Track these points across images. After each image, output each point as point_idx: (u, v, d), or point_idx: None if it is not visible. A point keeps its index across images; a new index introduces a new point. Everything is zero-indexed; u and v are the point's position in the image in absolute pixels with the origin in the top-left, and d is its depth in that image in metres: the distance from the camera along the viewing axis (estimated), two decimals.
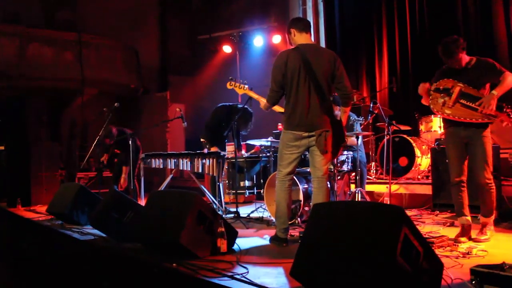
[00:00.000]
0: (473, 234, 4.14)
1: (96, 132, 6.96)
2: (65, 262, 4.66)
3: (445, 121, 4.27)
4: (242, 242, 4.07)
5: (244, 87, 4.73)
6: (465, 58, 4.04)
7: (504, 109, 3.84)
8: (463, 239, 4.01)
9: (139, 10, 13.20)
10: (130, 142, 6.34)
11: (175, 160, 6.03)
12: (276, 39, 9.88)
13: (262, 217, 5.64)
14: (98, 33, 12.31)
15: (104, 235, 4.53)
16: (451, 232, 4.31)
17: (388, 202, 5.67)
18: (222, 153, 5.98)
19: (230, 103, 6.49)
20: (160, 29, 14.02)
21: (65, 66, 11.66)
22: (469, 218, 4.15)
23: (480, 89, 3.95)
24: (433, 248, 3.62)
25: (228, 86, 4.82)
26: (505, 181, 5.59)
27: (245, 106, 5.99)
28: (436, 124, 6.98)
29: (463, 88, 3.99)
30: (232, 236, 3.87)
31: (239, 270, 3.18)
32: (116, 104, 6.60)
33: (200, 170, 5.92)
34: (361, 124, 6.23)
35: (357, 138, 5.73)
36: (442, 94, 4.07)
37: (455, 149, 4.14)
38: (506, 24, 7.22)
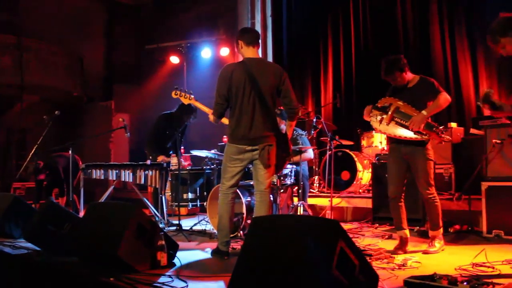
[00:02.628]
0: (422, 246, 4.32)
1: (35, 140, 6.70)
2: None
3: (388, 137, 4.44)
4: (183, 255, 4.02)
5: (189, 96, 4.71)
6: (407, 76, 4.22)
7: (434, 128, 4.02)
8: (400, 251, 4.15)
9: (85, 16, 12.87)
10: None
11: (117, 171, 5.89)
12: (224, 51, 9.92)
13: (205, 229, 5.60)
14: (41, 37, 11.88)
15: (38, 248, 4.35)
16: (389, 245, 4.45)
17: (330, 215, 5.78)
18: (166, 163, 5.90)
19: (170, 111, 6.42)
20: (106, 36, 13.73)
21: (2, 70, 11.16)
22: (407, 231, 4.31)
23: (421, 107, 4.11)
24: (370, 260, 3.75)
25: (173, 95, 4.78)
26: (440, 195, 5.81)
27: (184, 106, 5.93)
28: (377, 140, 7.21)
29: (401, 106, 4.15)
30: (172, 249, 3.81)
31: (179, 284, 3.14)
32: (56, 112, 6.38)
33: (142, 182, 5.82)
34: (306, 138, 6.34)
35: (301, 152, 5.82)
36: (380, 112, 4.23)
37: (395, 164, 4.30)
38: (442, 43, 7.62)
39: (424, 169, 4.15)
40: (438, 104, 4.08)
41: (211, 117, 4.25)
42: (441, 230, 4.32)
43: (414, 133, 4.05)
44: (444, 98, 4.09)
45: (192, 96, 4.72)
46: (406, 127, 4.08)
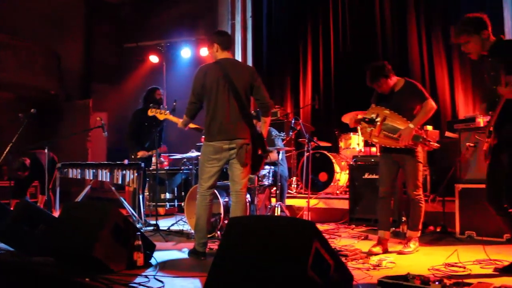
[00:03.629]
0: (397, 247, 4.40)
1: (10, 138, 6.59)
2: None
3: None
4: (160, 256, 4.01)
5: (164, 112, 4.85)
6: (390, 83, 4.29)
7: (421, 139, 4.13)
8: (375, 249, 4.21)
9: (63, 14, 12.68)
10: (45, 168, 6.10)
11: (94, 170, 5.84)
12: (204, 51, 9.88)
13: (182, 230, 5.59)
14: (17, 34, 11.68)
15: (12, 249, 4.28)
16: (365, 246, 4.51)
17: (307, 216, 5.83)
18: (144, 163, 5.87)
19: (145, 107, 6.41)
20: (85, 34, 13.54)
21: None
22: (388, 232, 4.38)
23: (407, 112, 4.20)
24: (346, 260, 3.80)
25: (149, 113, 4.98)
26: None
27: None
28: (355, 142, 7.29)
29: (388, 115, 4.22)
30: (149, 249, 3.80)
31: (155, 284, 3.14)
32: (32, 110, 6.28)
33: (120, 182, 5.78)
34: (283, 140, 6.37)
35: (278, 153, 5.85)
36: (369, 125, 4.30)
37: (385, 166, 4.40)
38: (419, 47, 7.76)
39: (413, 172, 4.27)
40: (425, 115, 4.19)
41: (181, 122, 4.32)
42: (419, 233, 4.40)
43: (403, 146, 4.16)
44: (430, 107, 4.20)
45: (167, 112, 4.84)
46: (395, 139, 4.16)
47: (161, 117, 4.84)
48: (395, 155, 4.31)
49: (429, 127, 6.67)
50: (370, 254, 4.14)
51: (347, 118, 6.51)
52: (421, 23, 7.81)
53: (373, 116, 4.29)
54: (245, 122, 4.08)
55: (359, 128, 4.45)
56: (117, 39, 13.00)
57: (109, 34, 13.36)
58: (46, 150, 6.00)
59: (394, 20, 8.17)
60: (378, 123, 4.25)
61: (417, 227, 4.37)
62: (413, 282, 2.75)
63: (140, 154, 6.11)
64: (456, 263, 3.68)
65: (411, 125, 4.11)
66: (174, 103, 5.19)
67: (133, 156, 6.22)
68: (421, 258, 4.07)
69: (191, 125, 4.37)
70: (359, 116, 4.41)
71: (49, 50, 12.43)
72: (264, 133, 4.33)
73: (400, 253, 4.23)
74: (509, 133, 3.24)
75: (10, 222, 4.34)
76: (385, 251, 4.31)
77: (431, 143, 4.16)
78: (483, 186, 3.94)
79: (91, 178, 5.97)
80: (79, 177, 6.00)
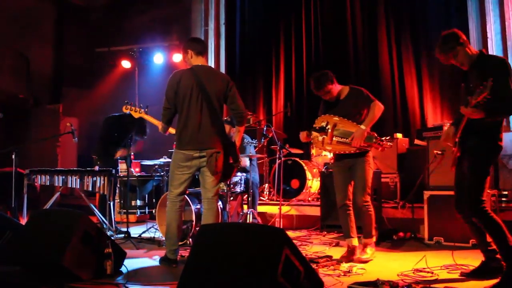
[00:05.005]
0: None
1: None
2: None
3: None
4: (131, 263, 3.97)
5: (140, 110, 4.74)
6: (336, 89, 4.34)
7: (374, 140, 4.17)
8: (365, 256, 4.23)
9: (32, 15, 12.44)
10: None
11: (63, 177, 5.74)
12: (177, 57, 9.85)
13: (154, 237, 5.54)
14: None
15: None
16: (337, 252, 4.55)
17: (279, 223, 5.85)
18: (115, 169, 5.80)
19: (118, 113, 6.33)
20: (55, 37, 13.31)
21: None
22: (355, 239, 4.40)
23: (356, 117, 4.25)
24: (317, 267, 3.83)
25: (124, 110, 4.84)
26: (385, 203, 6.03)
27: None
28: None
29: (338, 122, 4.26)
30: (120, 257, 3.76)
31: None
32: None
33: (90, 188, 5.68)
34: (255, 147, 6.39)
35: (250, 160, 5.87)
36: (320, 133, 4.33)
37: (340, 174, 4.42)
38: (389, 57, 7.93)
39: (362, 177, 4.28)
40: (373, 115, 4.24)
41: (160, 127, 4.28)
42: (374, 238, 4.44)
43: (357, 148, 4.19)
44: (378, 108, 4.25)
45: (143, 110, 4.74)
46: (348, 144, 4.20)
47: (136, 115, 4.76)
48: (347, 160, 4.32)
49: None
50: (341, 261, 4.14)
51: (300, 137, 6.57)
52: (391, 32, 7.98)
53: (323, 124, 4.32)
54: (216, 131, 4.09)
55: (312, 139, 4.45)
56: (89, 43, 12.82)
57: (80, 38, 13.16)
58: (13, 156, 5.86)
59: (365, 28, 8.32)
60: (329, 130, 4.28)
61: (370, 234, 4.37)
62: None
63: (119, 153, 6.04)
64: (424, 268, 3.76)
65: (363, 126, 4.16)
66: (146, 109, 5.14)
67: (99, 163, 6.12)
68: (390, 264, 4.14)
69: (171, 130, 4.32)
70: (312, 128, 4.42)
71: (17, 52, 12.16)
72: (237, 142, 4.34)
73: (358, 260, 4.22)
74: (471, 146, 3.38)
75: None
76: (353, 260, 4.31)
77: (383, 142, 4.18)
78: (450, 192, 4.05)
79: (61, 185, 5.86)
80: (48, 183, 5.87)
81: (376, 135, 4.21)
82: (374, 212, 4.39)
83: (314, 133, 4.38)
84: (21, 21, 11.95)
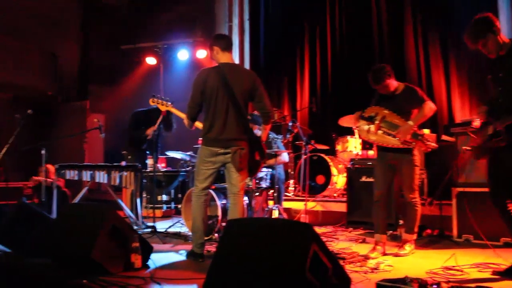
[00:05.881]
0: (395, 250, 4.39)
1: (7, 139, 6.56)
2: None
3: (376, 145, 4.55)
4: (158, 258, 4.01)
5: (167, 104, 4.77)
6: (393, 84, 4.33)
7: (420, 137, 4.15)
8: (373, 254, 4.22)
9: (60, 14, 12.65)
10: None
11: (91, 172, 5.84)
12: (201, 54, 9.90)
13: (180, 232, 5.58)
14: (14, 34, 11.64)
15: (9, 250, 4.26)
16: (363, 249, 4.52)
17: (305, 219, 5.83)
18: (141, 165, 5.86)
19: (145, 108, 6.40)
20: (82, 35, 13.52)
21: None
22: (384, 235, 4.40)
23: (406, 115, 4.24)
24: (343, 264, 3.80)
25: (151, 103, 4.88)
26: None
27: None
28: (352, 145, 7.29)
29: (387, 115, 4.25)
30: (147, 251, 3.80)
31: (153, 286, 3.14)
32: (29, 111, 6.27)
33: (117, 183, 5.77)
34: (281, 142, 6.37)
35: (276, 156, 5.86)
36: (367, 122, 4.32)
37: (381, 170, 4.42)
38: (416, 51, 7.79)
39: (410, 175, 4.29)
40: (423, 114, 4.23)
41: (186, 122, 4.29)
42: (415, 236, 4.42)
43: (401, 143, 4.16)
44: (429, 108, 4.24)
45: (169, 103, 4.77)
46: (393, 136, 4.18)
47: (162, 108, 4.81)
48: (392, 156, 4.32)
49: (426, 131, 6.68)
50: (367, 258, 4.13)
51: (345, 121, 6.51)
52: (418, 26, 7.82)
53: (373, 114, 4.33)
54: (241, 129, 4.11)
55: (356, 131, 4.46)
56: (114, 40, 12.96)
57: (105, 35, 13.32)
58: (43, 151, 5.98)
59: (390, 23, 8.18)
60: (377, 121, 4.28)
61: (412, 230, 4.38)
62: (411, 285, 2.76)
63: (149, 131, 6.11)
64: (454, 266, 3.69)
65: (411, 122, 4.17)
66: (172, 103, 5.17)
67: (130, 157, 6.20)
68: (418, 262, 4.08)
69: (198, 124, 4.34)
70: (359, 115, 4.44)
71: (46, 51, 12.39)
72: (263, 139, 4.35)
73: (395, 255, 4.25)
74: None
75: (7, 223, 4.33)
76: (383, 254, 4.32)
77: (429, 142, 4.18)
78: (481, 189, 3.97)
79: (89, 180, 5.96)
80: (76, 178, 5.98)
81: (423, 133, 4.18)
82: (420, 210, 4.38)
83: (362, 121, 4.37)
84: (49, 20, 12.17)
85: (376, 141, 4.37)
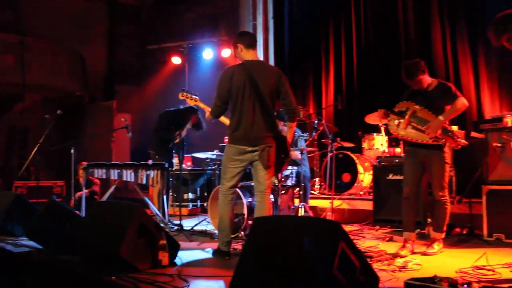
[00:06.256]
0: (423, 248, 4.31)
1: (37, 139, 6.72)
2: None
3: (406, 140, 4.50)
4: (185, 255, 4.03)
5: (195, 98, 4.79)
6: (426, 80, 4.26)
7: (450, 133, 4.09)
8: (403, 252, 4.16)
9: (87, 16, 12.90)
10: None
11: (119, 170, 5.91)
12: (226, 52, 9.94)
13: (206, 230, 5.61)
14: (43, 36, 11.90)
15: (40, 247, 4.36)
16: (390, 247, 4.46)
17: (331, 217, 5.79)
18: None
19: (174, 108, 6.46)
20: (108, 36, 13.74)
21: (5, 70, 11.16)
22: (413, 233, 4.33)
23: (437, 111, 4.16)
24: (371, 262, 3.76)
25: (180, 97, 4.88)
26: None
27: (191, 107, 6.02)
28: (378, 142, 7.22)
29: (418, 110, 4.19)
30: (174, 249, 3.83)
31: (180, 283, 3.16)
32: (58, 111, 6.40)
33: (144, 182, 5.83)
34: (306, 140, 6.34)
35: (301, 153, 5.83)
36: (397, 116, 4.27)
37: (411, 166, 4.35)
38: (443, 46, 7.65)
39: (440, 172, 4.22)
40: (455, 109, 4.16)
41: (207, 114, 4.30)
42: (444, 234, 4.34)
43: (431, 138, 4.10)
44: (462, 103, 4.16)
45: (197, 98, 4.79)
46: (423, 132, 4.13)
47: (191, 102, 4.81)
48: (422, 153, 4.25)
49: (454, 127, 6.56)
50: (396, 256, 4.07)
51: (371, 118, 6.44)
52: (445, 20, 7.69)
53: (403, 109, 4.28)
54: (268, 127, 4.08)
55: (382, 128, 4.40)
56: (140, 41, 13.15)
57: (131, 36, 13.52)
58: (72, 151, 6.09)
59: (417, 18, 8.06)
60: (407, 116, 4.22)
61: (441, 229, 4.31)
62: (441, 285, 2.70)
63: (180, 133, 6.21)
64: (484, 266, 3.60)
65: (441, 117, 4.09)
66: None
67: (157, 157, 6.27)
68: (447, 261, 4.00)
69: (224, 120, 4.35)
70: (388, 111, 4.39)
71: (74, 52, 12.64)
72: (289, 138, 4.32)
73: (423, 254, 4.17)
74: None
75: (38, 220, 4.43)
76: (411, 252, 4.25)
77: (459, 139, 4.11)
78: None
79: (116, 178, 6.04)
80: (104, 177, 6.07)
81: (453, 129, 4.12)
82: (450, 208, 4.30)
83: (392, 116, 4.33)
84: (76, 22, 12.40)
85: (405, 136, 4.30)
